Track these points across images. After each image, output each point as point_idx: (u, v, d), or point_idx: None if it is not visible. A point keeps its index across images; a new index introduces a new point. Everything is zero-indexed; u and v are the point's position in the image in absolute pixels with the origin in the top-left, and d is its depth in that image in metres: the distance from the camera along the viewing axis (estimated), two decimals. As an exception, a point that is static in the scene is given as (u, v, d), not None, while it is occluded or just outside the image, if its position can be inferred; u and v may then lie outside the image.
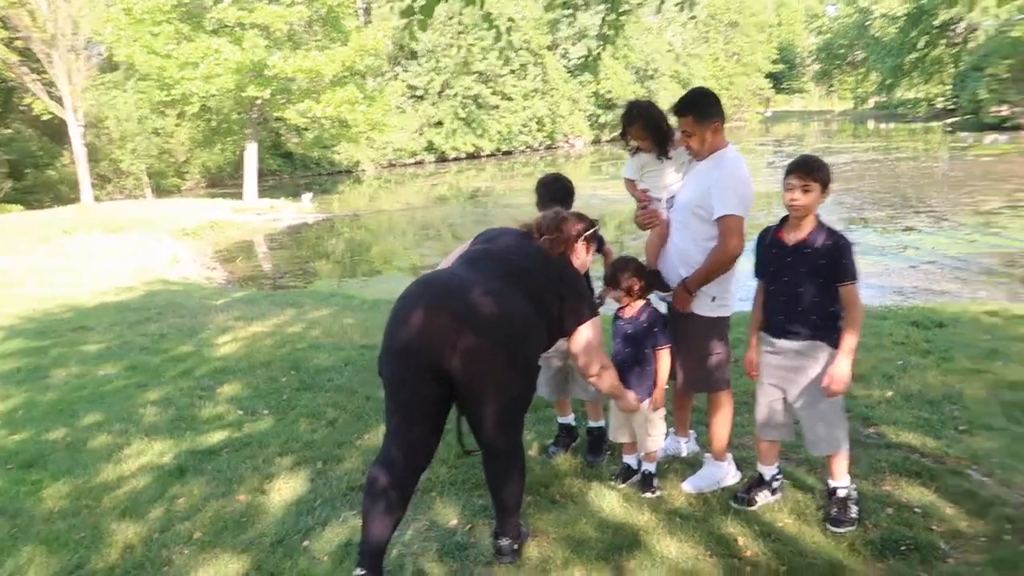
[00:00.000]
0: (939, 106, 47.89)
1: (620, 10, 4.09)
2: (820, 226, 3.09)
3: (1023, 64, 32.80)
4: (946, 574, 2.75)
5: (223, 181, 32.75)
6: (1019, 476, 3.43)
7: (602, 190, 23.45)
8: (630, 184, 3.69)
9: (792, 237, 3.13)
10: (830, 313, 3.09)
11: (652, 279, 3.45)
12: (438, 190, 30.00)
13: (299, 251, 16.79)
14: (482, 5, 4.08)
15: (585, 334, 2.95)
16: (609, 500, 3.42)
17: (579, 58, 4.25)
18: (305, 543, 3.16)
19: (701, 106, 3.32)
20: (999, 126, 34.22)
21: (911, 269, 10.01)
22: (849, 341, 3.01)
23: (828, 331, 3.09)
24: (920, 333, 5.86)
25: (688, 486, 3.53)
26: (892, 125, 44.59)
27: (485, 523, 3.27)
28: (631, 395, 3.35)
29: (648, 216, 3.56)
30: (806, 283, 3.09)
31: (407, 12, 3.67)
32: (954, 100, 43.49)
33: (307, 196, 23.73)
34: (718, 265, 3.27)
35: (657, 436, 3.50)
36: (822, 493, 3.32)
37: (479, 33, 39.75)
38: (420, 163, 40.30)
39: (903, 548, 2.91)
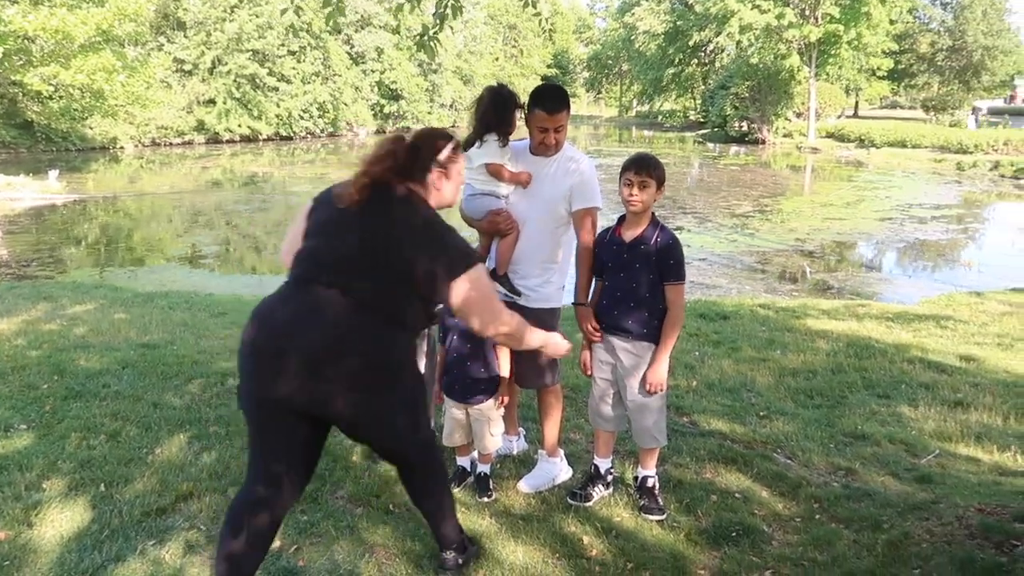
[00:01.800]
0: (692, 118, 53.17)
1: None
2: (655, 223, 3.16)
3: (760, 85, 37.25)
4: (774, 556, 2.89)
5: (-61, 152, 27.84)
6: (816, 457, 3.75)
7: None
8: (502, 169, 3.28)
9: (629, 234, 3.16)
10: (659, 311, 3.16)
11: (502, 282, 3.31)
12: (210, 173, 27.84)
13: (45, 236, 14.67)
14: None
15: (459, 291, 2.34)
16: (446, 506, 3.24)
17: (415, 35, 3.98)
18: (97, 585, 2.64)
19: (569, 100, 3.26)
20: (741, 139, 38.67)
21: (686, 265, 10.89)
22: (667, 342, 3.13)
23: (656, 330, 3.16)
24: (708, 325, 6.32)
25: (525, 486, 3.45)
26: (652, 133, 48.68)
27: (313, 543, 2.95)
28: (556, 336, 2.92)
29: (510, 221, 3.35)
30: (641, 279, 3.14)
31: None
32: (704, 114, 48.50)
33: (53, 173, 20.80)
34: (590, 260, 3.29)
35: (497, 435, 3.38)
36: (660, 486, 3.38)
37: (255, 8, 37.49)
38: (189, 143, 37.19)
39: (733, 534, 3.04)
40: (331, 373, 2.21)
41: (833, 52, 36.19)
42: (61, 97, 24.49)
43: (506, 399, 3.37)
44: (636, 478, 3.37)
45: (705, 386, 4.77)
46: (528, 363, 3.40)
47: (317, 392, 2.22)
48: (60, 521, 3.06)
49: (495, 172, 3.30)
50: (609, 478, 3.43)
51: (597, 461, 3.42)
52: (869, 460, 3.72)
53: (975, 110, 44.78)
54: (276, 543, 2.91)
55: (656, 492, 3.30)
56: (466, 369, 3.28)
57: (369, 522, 3.11)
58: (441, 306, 3.14)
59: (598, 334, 3.27)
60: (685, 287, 3.21)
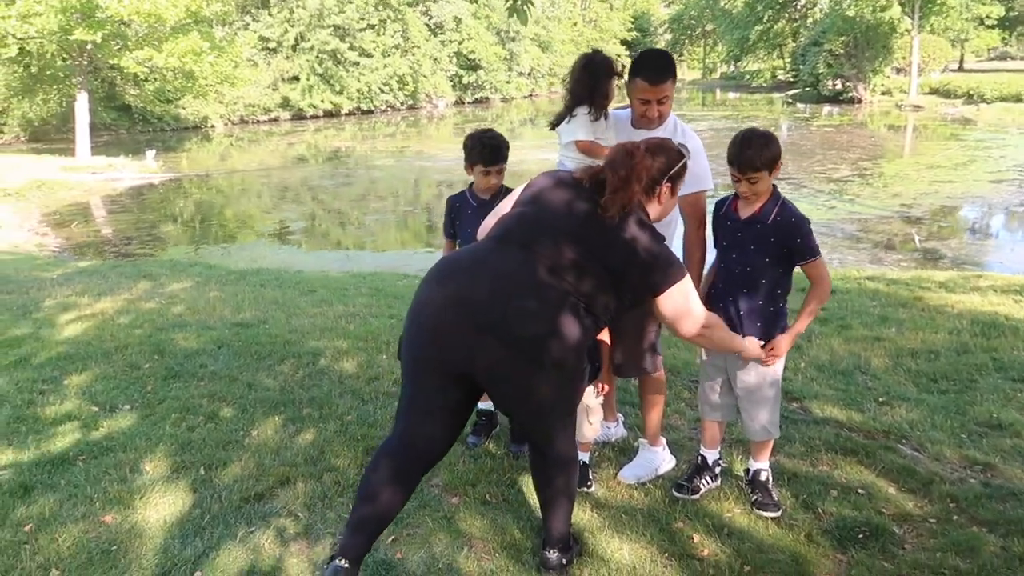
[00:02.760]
0: (780, 78, 50.92)
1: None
2: (775, 198, 2.89)
3: (856, 41, 35.22)
4: (908, 563, 2.63)
5: (48, 136, 29.34)
6: (947, 449, 3.42)
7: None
8: (593, 146, 3.07)
9: (746, 211, 2.91)
10: (778, 298, 2.96)
11: None
12: (295, 149, 28.47)
13: (145, 215, 15.27)
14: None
15: (666, 306, 2.40)
16: (545, 497, 3.10)
17: (508, 1, 3.79)
18: (197, 574, 2.62)
19: (674, 68, 3.00)
20: (834, 98, 36.78)
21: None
22: (804, 315, 2.94)
23: (772, 321, 2.95)
24: (813, 300, 5.94)
25: (627, 475, 3.27)
26: (737, 95, 46.93)
27: (409, 534, 2.86)
28: (750, 341, 2.85)
29: None
30: (757, 262, 2.89)
31: None
32: (794, 73, 46.33)
33: (151, 153, 21.68)
34: (702, 246, 3.14)
35: (596, 423, 3.19)
36: (774, 478, 3.15)
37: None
38: (275, 120, 38.13)
39: (860, 536, 2.78)
40: (512, 331, 2.22)
41: (939, 0, 33.79)
42: (155, 79, 25.35)
43: (606, 387, 3.18)
44: (747, 471, 3.14)
45: (815, 368, 4.46)
46: (629, 351, 3.20)
47: (486, 351, 2.24)
48: (162, 505, 3.07)
49: (585, 150, 3.09)
50: (717, 470, 3.22)
51: (704, 452, 3.21)
52: (1010, 453, 3.36)
53: None
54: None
55: (770, 486, 3.06)
56: (564, 355, 3.10)
57: (466, 512, 3.00)
58: None
59: None
60: (822, 260, 2.92)
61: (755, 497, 3.03)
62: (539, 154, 17.92)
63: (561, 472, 2.56)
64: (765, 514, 2.95)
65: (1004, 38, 55.23)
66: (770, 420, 3.01)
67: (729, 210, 2.96)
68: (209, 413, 3.96)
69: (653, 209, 2.47)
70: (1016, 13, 48.31)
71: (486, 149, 3.33)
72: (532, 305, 2.24)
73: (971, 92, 32.37)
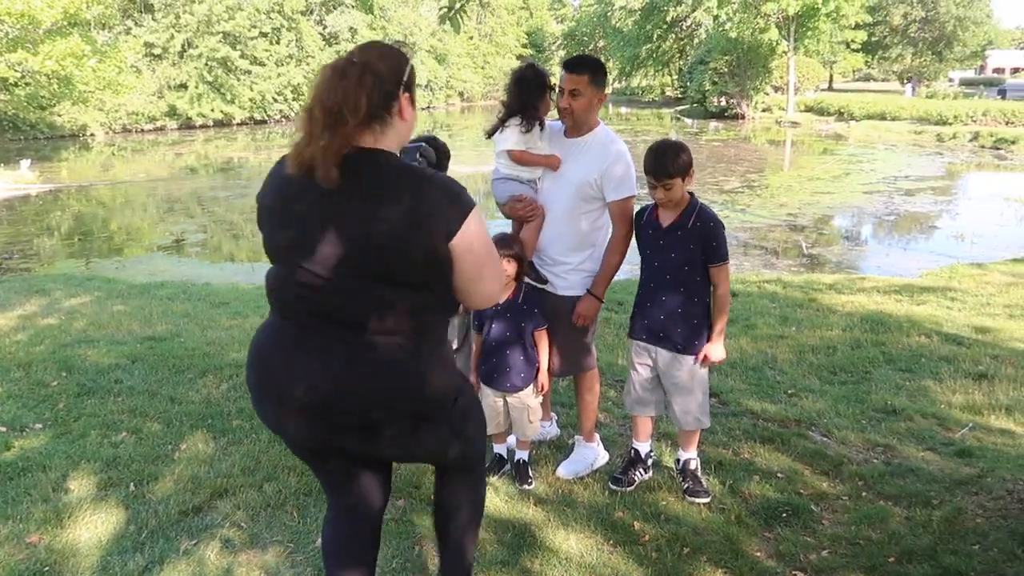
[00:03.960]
0: (669, 94, 53.10)
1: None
2: (692, 205, 3.07)
3: (739, 60, 37.23)
4: (828, 536, 2.87)
5: (-97, 143, 27.04)
6: (851, 434, 3.73)
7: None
8: (524, 154, 3.17)
9: (667, 217, 3.10)
10: (701, 303, 3.13)
11: (528, 270, 3.23)
12: (184, 160, 27.35)
13: (23, 227, 14.32)
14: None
15: (468, 236, 1.73)
16: (490, 495, 3.17)
17: (441, 9, 3.87)
18: (143, 591, 2.55)
19: (597, 69, 3.15)
20: (720, 114, 38.69)
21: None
22: (721, 318, 3.12)
23: (697, 329, 3.13)
24: (719, 303, 6.30)
25: (564, 471, 3.39)
26: (629, 109, 48.51)
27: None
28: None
29: (531, 207, 3.26)
30: (678, 270, 3.08)
31: None
32: (682, 89, 48.41)
33: (25, 163, 20.30)
34: (622, 251, 3.20)
35: (536, 423, 3.32)
36: (702, 467, 3.35)
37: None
38: (161, 129, 36.52)
39: (783, 515, 3.01)
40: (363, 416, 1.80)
41: (811, 25, 36.21)
42: (27, 84, 23.82)
43: (545, 387, 3.30)
44: (678, 461, 3.33)
45: (728, 365, 4.73)
46: (567, 350, 3.33)
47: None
48: (94, 522, 2.96)
49: (517, 159, 3.21)
50: (649, 462, 3.39)
51: (637, 445, 3.37)
52: (904, 435, 3.71)
53: (911, 79, 47.50)
54: (319, 540, 2.84)
55: (699, 474, 3.26)
56: (504, 357, 3.20)
57: (414, 513, 3.04)
58: None
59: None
60: (727, 267, 3.13)
61: (686, 485, 3.22)
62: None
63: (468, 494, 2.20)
64: (697, 500, 3.14)
65: (867, 61, 59.77)
66: (700, 410, 3.20)
67: (651, 218, 3.14)
68: (132, 428, 3.82)
69: (394, 133, 1.79)
70: (877, 38, 52.39)
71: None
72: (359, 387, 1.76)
73: (842, 110, 34.81)
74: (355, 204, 1.68)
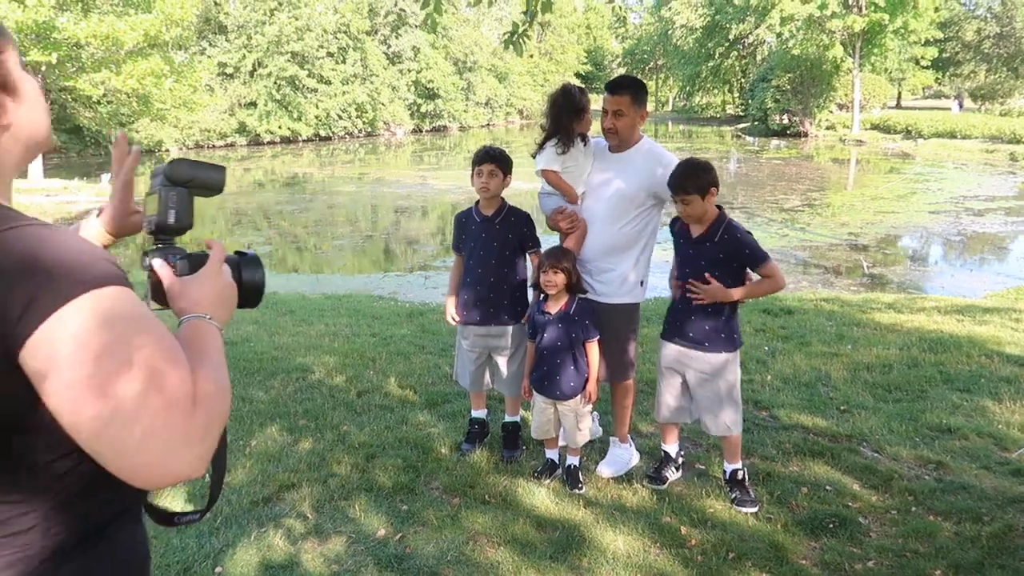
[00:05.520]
0: (730, 112, 52.57)
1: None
2: (720, 219, 3.20)
3: (802, 77, 36.69)
4: (875, 548, 2.91)
5: (-5, 157, 28.60)
6: (903, 451, 3.73)
7: (432, 179, 23.30)
8: (553, 176, 3.40)
9: (696, 229, 3.25)
10: (729, 313, 3.25)
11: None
12: (252, 175, 28.26)
13: (104, 237, 15.06)
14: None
15: (57, 346, 0.84)
16: (540, 497, 3.31)
17: (504, 34, 4.10)
18: (218, 569, 2.75)
19: (639, 89, 3.32)
20: (782, 132, 38.13)
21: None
22: (753, 288, 3.26)
23: (726, 336, 3.26)
24: (774, 320, 6.30)
25: (603, 470, 3.54)
26: (688, 127, 48.21)
27: (416, 531, 3.04)
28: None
29: (571, 219, 3.43)
30: (703, 279, 3.20)
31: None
32: (743, 107, 47.88)
33: (106, 177, 21.35)
34: None
35: (585, 430, 3.45)
36: (749, 478, 3.41)
37: (295, 11, 37.98)
38: (231, 145, 37.81)
39: (830, 526, 3.06)
40: None
41: (878, 42, 35.48)
42: (109, 102, 25.06)
43: (595, 396, 3.42)
44: (725, 472, 3.41)
45: (780, 380, 4.76)
46: (608, 359, 3.46)
47: None
48: (174, 508, 3.18)
49: (549, 180, 3.43)
50: (680, 461, 3.55)
51: (666, 448, 3.54)
52: (959, 454, 3.69)
53: (958, 96, 46.47)
54: (381, 531, 3.01)
55: (746, 484, 3.33)
56: (556, 366, 3.34)
57: (468, 511, 3.19)
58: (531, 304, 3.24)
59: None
60: (773, 262, 3.23)
61: (734, 495, 3.30)
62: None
63: None
64: (744, 509, 3.21)
65: (937, 78, 58.08)
66: (732, 419, 3.30)
67: (681, 229, 3.30)
68: (206, 424, 4.06)
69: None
70: (948, 55, 50.92)
71: (478, 152, 3.56)
72: None
73: (909, 128, 33.93)
74: None
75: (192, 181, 1.20)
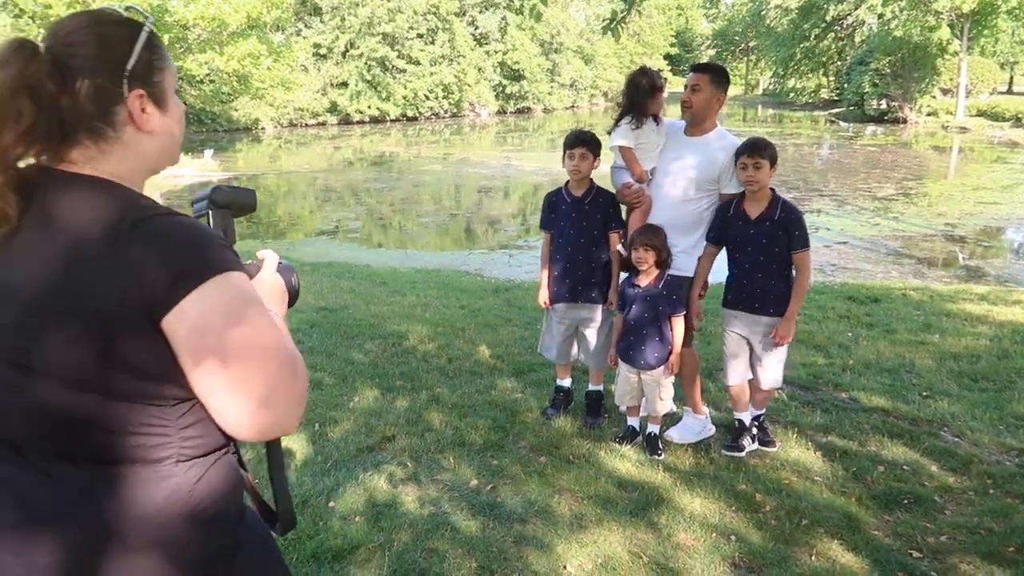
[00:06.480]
0: (824, 96, 50.72)
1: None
2: (776, 198, 3.44)
3: (903, 61, 35.08)
4: (948, 524, 2.99)
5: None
6: (986, 437, 3.76)
7: (516, 160, 23.56)
8: (628, 152, 3.60)
9: (754, 210, 3.42)
10: (786, 283, 3.48)
11: (625, 252, 3.60)
12: (342, 153, 29.18)
13: (208, 210, 15.97)
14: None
15: (190, 310, 1.04)
16: (621, 460, 3.52)
17: (604, 20, 4.30)
18: (331, 504, 3.08)
19: (719, 72, 3.52)
20: (879, 118, 36.62)
21: (826, 248, 10.62)
22: (796, 302, 3.48)
23: (784, 302, 3.47)
24: (859, 307, 6.27)
25: (673, 435, 3.74)
26: (779, 111, 46.82)
27: (505, 483, 3.29)
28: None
29: (638, 195, 3.61)
30: (768, 253, 3.42)
31: None
32: (838, 91, 46.13)
33: (208, 153, 22.53)
34: None
35: (668, 399, 3.63)
36: (825, 454, 3.54)
37: (387, -7, 38.74)
38: (322, 124, 39.01)
39: (905, 502, 3.15)
40: None
41: (989, 23, 33.55)
42: (212, 81, 26.30)
43: (677, 367, 3.59)
44: (756, 418, 3.71)
45: (862, 365, 4.80)
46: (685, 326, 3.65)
47: None
48: (291, 452, 3.54)
49: (622, 155, 3.64)
50: (754, 430, 3.71)
51: (740, 416, 3.70)
52: (1043, 442, 3.69)
53: None
54: (473, 482, 3.29)
55: (767, 427, 3.73)
56: (642, 337, 3.53)
57: (554, 468, 3.42)
58: (625, 276, 3.45)
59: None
60: (809, 253, 3.47)
61: (760, 436, 3.66)
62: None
63: None
64: (768, 449, 3.59)
65: (1055, 62, 54.35)
66: (781, 374, 3.62)
67: (739, 210, 3.46)
68: (314, 381, 4.43)
69: (126, 152, 1.16)
70: (1068, 37, 47.60)
71: (570, 136, 3.77)
72: None
73: (1020, 115, 32.07)
74: (26, 252, 1.08)
75: (232, 204, 1.37)
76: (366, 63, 39.07)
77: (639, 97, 3.57)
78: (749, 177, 3.35)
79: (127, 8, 1.21)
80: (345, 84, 39.28)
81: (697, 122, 3.57)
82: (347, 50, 39.17)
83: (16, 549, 1.07)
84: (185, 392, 1.09)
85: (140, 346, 1.05)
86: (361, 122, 39.91)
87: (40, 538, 1.08)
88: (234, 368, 1.04)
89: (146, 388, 1.08)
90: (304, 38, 38.26)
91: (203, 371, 1.05)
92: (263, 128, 36.33)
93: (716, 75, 3.52)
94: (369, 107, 39.80)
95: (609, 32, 4.24)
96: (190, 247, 1.07)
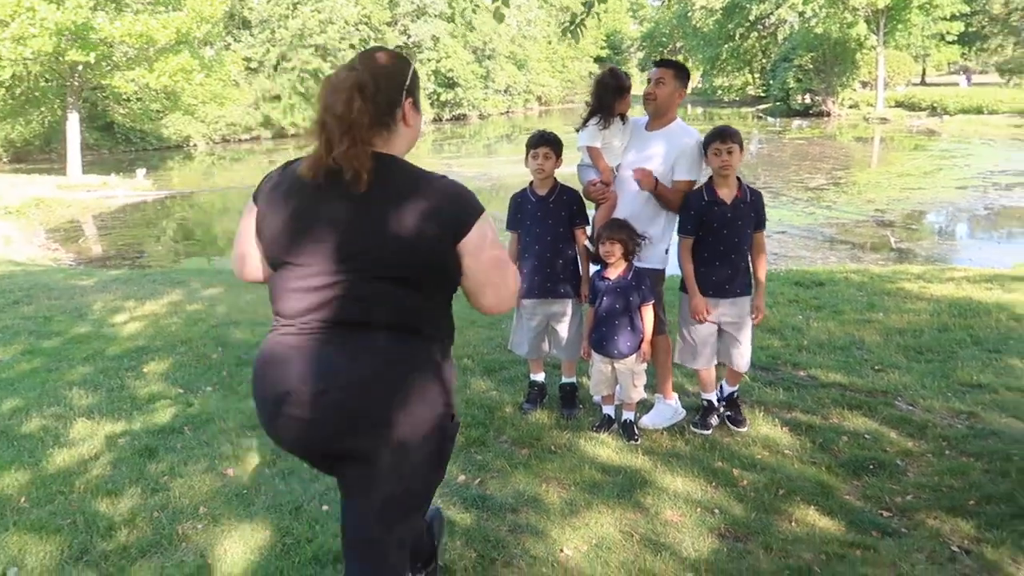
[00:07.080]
0: (750, 93, 52.28)
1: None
2: (742, 183, 3.65)
3: (824, 56, 36.47)
4: (912, 484, 3.20)
5: (30, 156, 29.48)
6: (937, 403, 4.01)
7: (456, 167, 23.62)
8: (595, 152, 3.74)
9: (728, 194, 3.59)
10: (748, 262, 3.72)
11: (592, 247, 3.75)
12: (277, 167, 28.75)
13: (148, 229, 15.62)
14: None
15: (475, 239, 1.76)
16: (601, 447, 3.63)
17: (563, 24, 4.43)
18: (325, 507, 3.10)
19: (682, 69, 3.69)
20: (804, 112, 37.96)
21: (766, 238, 10.97)
22: (763, 278, 3.77)
23: (749, 281, 3.73)
24: (806, 292, 6.56)
25: (646, 421, 3.88)
26: (707, 109, 48.04)
27: (492, 477, 3.37)
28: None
29: (603, 192, 3.76)
30: (743, 234, 3.62)
31: None
32: (764, 88, 47.63)
33: (141, 172, 21.98)
34: None
35: (640, 386, 3.76)
36: (791, 429, 3.72)
37: (318, 3, 38.38)
38: (256, 139, 38.40)
39: (870, 467, 3.35)
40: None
41: (902, 17, 35.16)
42: (140, 99, 25.62)
43: (649, 354, 3.73)
44: (730, 394, 3.90)
45: (816, 345, 5.04)
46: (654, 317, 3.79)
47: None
48: (277, 461, 3.54)
49: (589, 155, 3.78)
50: (720, 408, 3.90)
51: (706, 396, 3.88)
52: (989, 405, 3.96)
53: (966, 71, 46.71)
54: (461, 477, 3.36)
55: (740, 404, 3.89)
56: (615, 327, 3.65)
57: (538, 459, 3.52)
58: (596, 270, 3.57)
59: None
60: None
61: (728, 414, 3.84)
62: (515, 168, 18.50)
63: None
64: (738, 429, 3.76)
65: (963, 53, 57.24)
66: (750, 356, 3.82)
67: (713, 196, 3.60)
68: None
69: (400, 139, 1.82)
70: (975, 29, 50.19)
71: (533, 136, 3.88)
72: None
73: (934, 105, 33.69)
74: (376, 207, 1.69)
75: None
76: (299, 76, 38.65)
77: (607, 97, 3.68)
78: (724, 162, 3.49)
79: (399, 47, 2.06)
80: (278, 98, 38.78)
81: (659, 115, 3.72)
82: (279, 63, 38.67)
83: (371, 386, 1.72)
84: (456, 288, 1.84)
85: (448, 256, 1.75)
86: (296, 135, 39.38)
87: (388, 374, 1.74)
88: (493, 272, 1.81)
89: (444, 283, 1.80)
90: (234, 52, 37.58)
91: (477, 270, 1.78)
92: (195, 145, 35.57)
93: (679, 71, 3.69)
94: (303, 120, 39.24)
95: (569, 35, 4.36)
96: (466, 198, 1.78)
